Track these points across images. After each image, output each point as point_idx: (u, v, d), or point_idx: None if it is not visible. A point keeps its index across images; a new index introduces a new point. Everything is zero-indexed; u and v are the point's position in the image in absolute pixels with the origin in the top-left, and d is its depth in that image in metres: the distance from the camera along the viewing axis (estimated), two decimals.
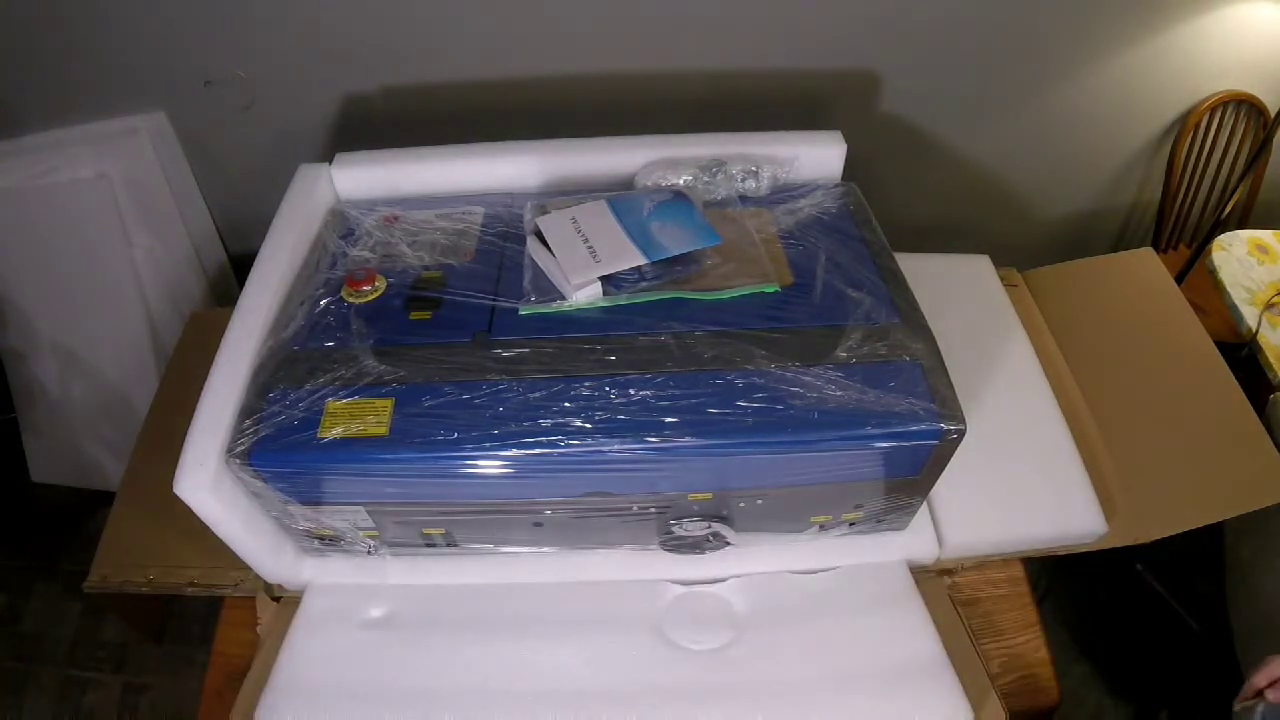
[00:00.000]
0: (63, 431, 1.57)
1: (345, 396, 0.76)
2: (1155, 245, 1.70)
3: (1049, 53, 1.43)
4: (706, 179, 0.99)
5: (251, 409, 0.77)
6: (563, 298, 0.85)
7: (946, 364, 0.79)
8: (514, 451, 0.73)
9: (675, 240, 0.87)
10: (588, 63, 1.37)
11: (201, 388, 0.78)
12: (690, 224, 0.89)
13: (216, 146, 1.46)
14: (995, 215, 1.73)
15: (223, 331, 0.83)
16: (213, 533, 0.79)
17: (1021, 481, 0.97)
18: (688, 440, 0.73)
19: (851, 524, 0.90)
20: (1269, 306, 1.29)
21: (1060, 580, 1.48)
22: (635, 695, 0.83)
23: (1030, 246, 1.79)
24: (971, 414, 0.76)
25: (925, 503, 0.93)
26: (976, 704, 0.83)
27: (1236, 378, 1.06)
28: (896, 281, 0.88)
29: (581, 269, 0.84)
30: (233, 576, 0.92)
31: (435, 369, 0.78)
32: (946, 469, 0.81)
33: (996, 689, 0.85)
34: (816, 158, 1.04)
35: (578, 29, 1.32)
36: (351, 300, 0.86)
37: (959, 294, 1.14)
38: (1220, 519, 0.97)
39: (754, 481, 0.80)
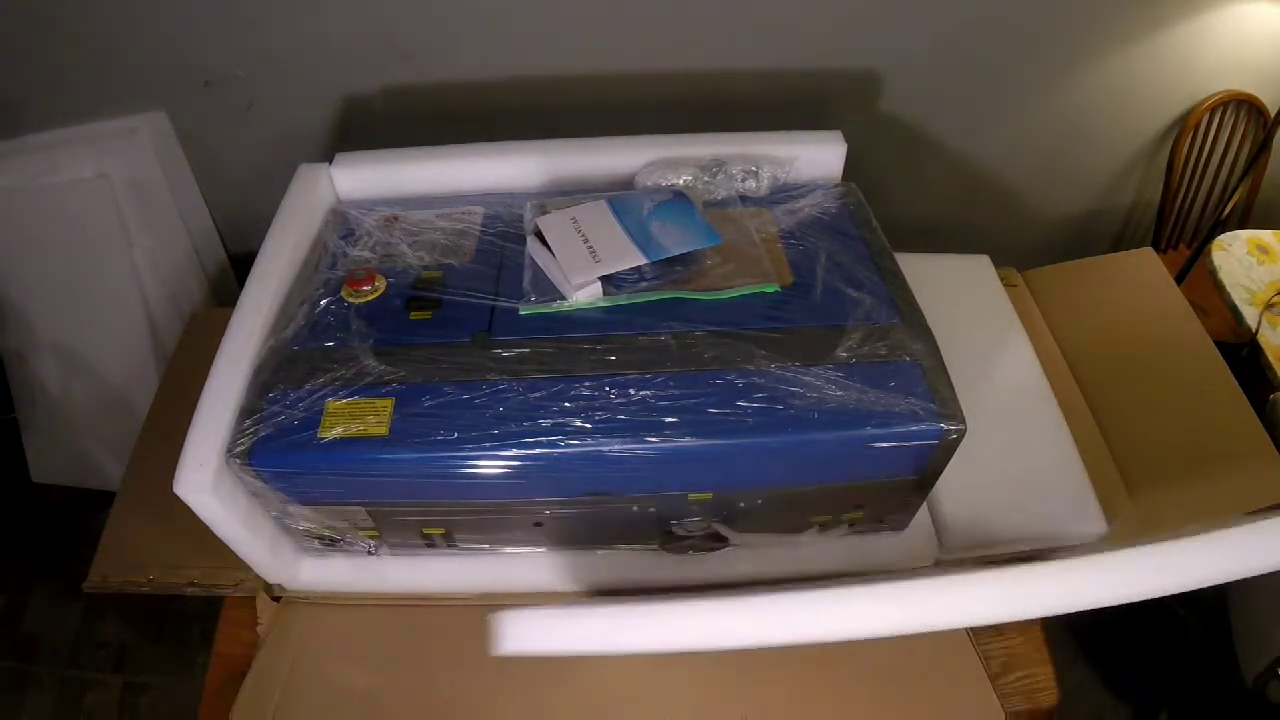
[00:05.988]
0: (63, 431, 1.56)
1: (345, 396, 0.76)
2: (1155, 245, 1.70)
3: (1049, 53, 1.43)
4: (706, 179, 0.99)
5: (251, 409, 0.77)
6: (563, 298, 0.85)
7: (946, 364, 0.79)
8: (514, 451, 0.73)
9: (675, 240, 0.87)
10: (588, 63, 1.37)
11: (201, 388, 0.78)
12: (690, 224, 0.89)
13: (216, 146, 1.46)
14: (995, 215, 1.72)
15: (223, 331, 0.83)
16: (213, 533, 0.79)
17: (1021, 482, 0.97)
18: (688, 440, 0.73)
19: (851, 524, 0.90)
20: (1269, 306, 1.28)
21: None
22: None
23: (1030, 246, 1.79)
24: (972, 414, 0.76)
25: (925, 503, 0.93)
26: (976, 705, 0.83)
27: (1236, 378, 1.06)
28: (896, 281, 0.88)
29: (581, 269, 0.84)
30: (233, 576, 0.92)
31: (435, 369, 0.78)
32: (946, 469, 0.82)
33: (996, 689, 0.85)
34: (816, 158, 1.04)
35: (578, 29, 1.32)
36: (351, 300, 0.86)
37: (959, 294, 1.14)
38: (1220, 519, 0.97)
39: (754, 481, 0.80)
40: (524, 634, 0.64)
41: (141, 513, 0.98)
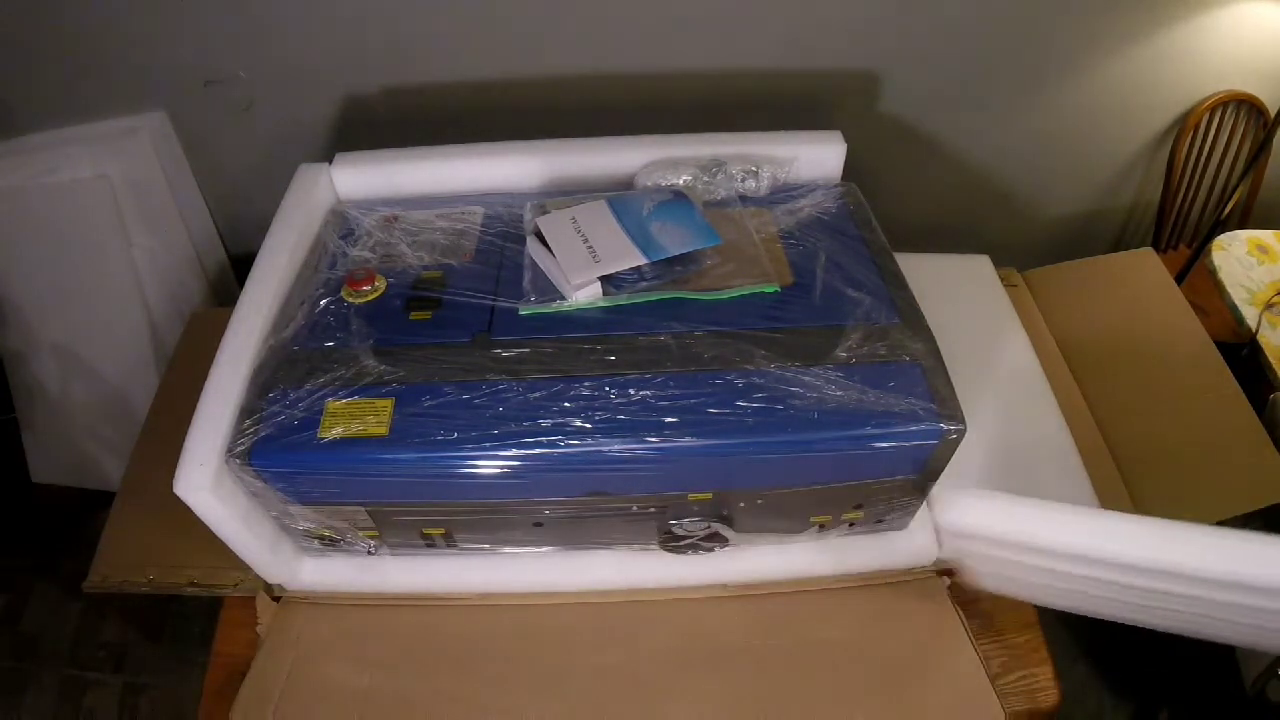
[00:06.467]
0: (63, 431, 1.56)
1: (345, 396, 0.76)
2: (1155, 245, 1.70)
3: (1049, 53, 1.43)
4: (706, 179, 0.99)
5: (251, 409, 0.77)
6: (563, 298, 0.85)
7: (946, 364, 0.79)
8: (514, 451, 0.73)
9: (675, 240, 0.87)
10: (588, 63, 1.37)
11: (201, 388, 0.79)
12: (690, 224, 0.89)
13: (216, 146, 1.46)
14: (995, 215, 1.72)
15: (223, 331, 0.83)
16: (213, 533, 0.79)
17: (1021, 481, 0.97)
18: (688, 440, 0.73)
19: (851, 524, 0.90)
20: (1269, 306, 1.28)
21: None
22: None
23: (1030, 246, 1.79)
24: (971, 414, 0.76)
25: (925, 503, 0.93)
26: (976, 705, 0.83)
27: (1236, 378, 1.06)
28: (896, 281, 0.88)
29: (581, 269, 0.84)
30: (233, 576, 0.92)
31: (435, 369, 0.78)
32: (946, 469, 0.82)
33: (996, 689, 0.85)
34: (816, 158, 1.04)
35: (578, 29, 1.32)
36: (351, 300, 0.86)
37: (959, 294, 1.14)
38: (1220, 519, 0.97)
39: (754, 481, 0.80)
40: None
41: (141, 513, 0.98)
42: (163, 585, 0.93)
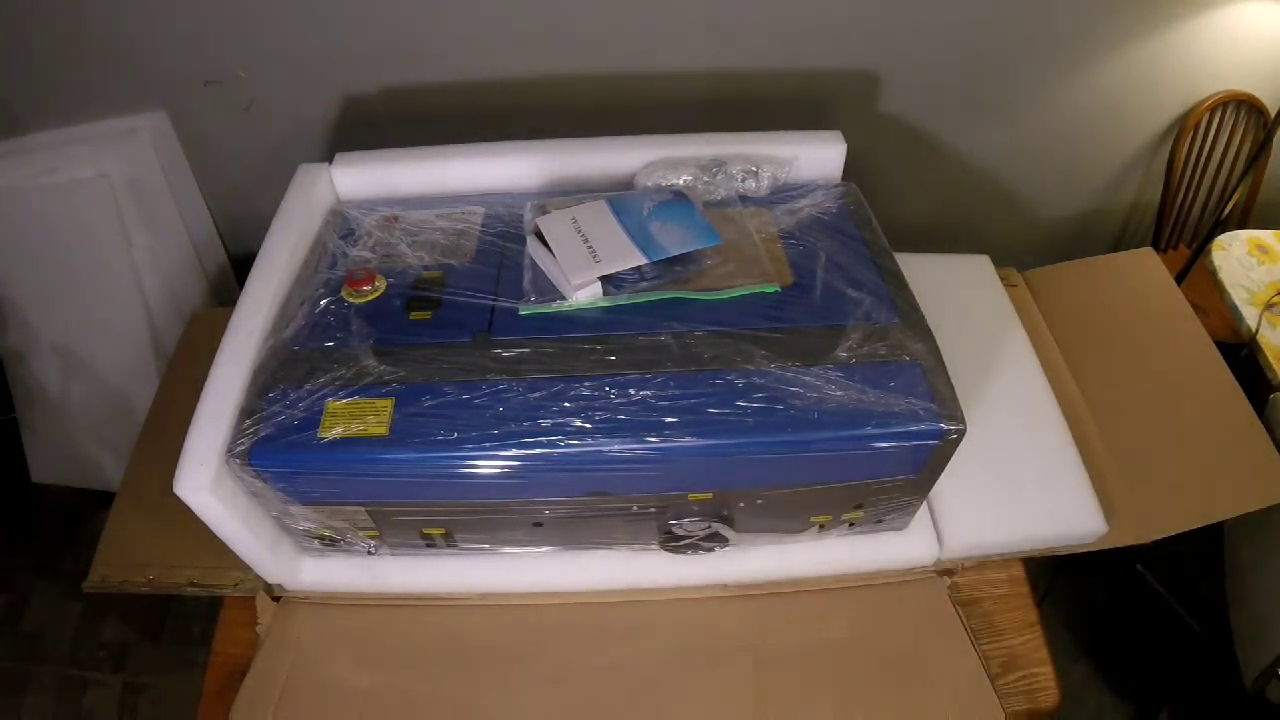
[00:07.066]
0: (63, 431, 1.56)
1: (345, 396, 0.76)
2: (1155, 245, 1.70)
3: (1049, 53, 1.43)
4: (706, 179, 0.99)
5: (251, 409, 0.77)
6: (563, 298, 0.85)
7: (946, 364, 0.79)
8: (514, 451, 0.73)
9: (675, 240, 0.87)
10: (588, 63, 1.37)
11: (201, 388, 0.79)
12: (690, 224, 0.89)
13: (216, 146, 1.46)
14: (995, 215, 1.72)
15: (223, 331, 0.83)
16: (213, 532, 0.79)
17: (1021, 481, 0.97)
18: (688, 440, 0.73)
19: (851, 524, 0.90)
20: (1269, 306, 1.28)
21: (1060, 580, 1.48)
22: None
23: (1030, 246, 1.79)
24: (971, 414, 0.76)
25: (925, 503, 0.93)
26: (976, 705, 0.83)
27: (1236, 378, 1.06)
28: (896, 281, 0.88)
29: (581, 269, 0.84)
30: (233, 576, 0.92)
31: (435, 369, 0.79)
32: (946, 469, 0.82)
33: (996, 689, 0.85)
34: (816, 158, 1.04)
35: (577, 29, 1.32)
36: (351, 300, 0.86)
37: (959, 294, 1.14)
38: (1220, 519, 0.97)
39: (754, 481, 0.80)
40: None
41: (141, 513, 0.98)
42: (163, 585, 0.93)
